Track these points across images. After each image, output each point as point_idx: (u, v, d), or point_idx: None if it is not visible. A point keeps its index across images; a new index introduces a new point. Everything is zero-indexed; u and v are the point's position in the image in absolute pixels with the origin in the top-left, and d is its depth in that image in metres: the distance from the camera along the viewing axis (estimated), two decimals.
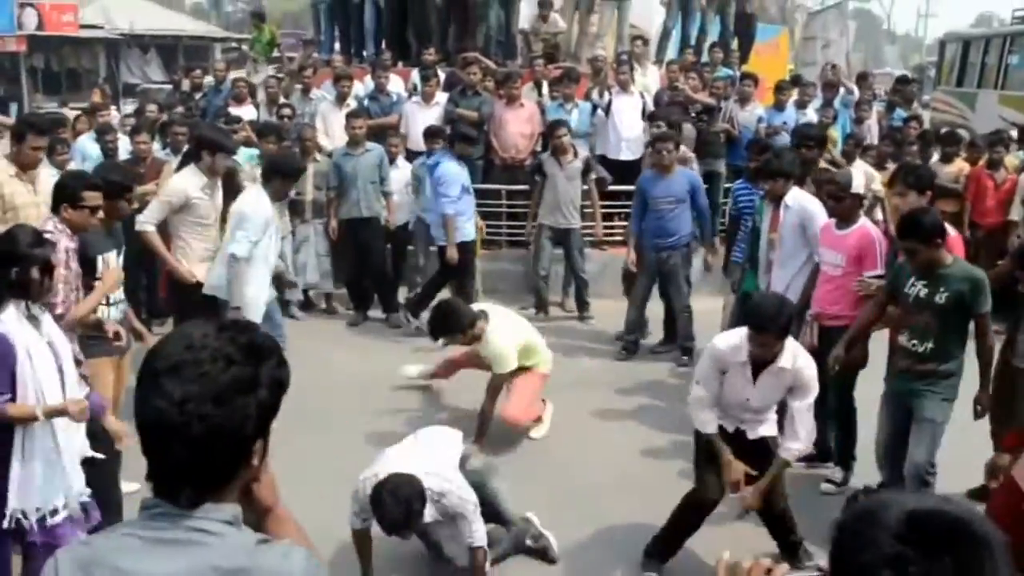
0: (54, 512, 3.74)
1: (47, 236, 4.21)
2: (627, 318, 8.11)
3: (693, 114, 10.08)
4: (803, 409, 4.45)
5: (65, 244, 4.56)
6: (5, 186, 5.90)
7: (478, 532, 4.24)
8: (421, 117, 9.74)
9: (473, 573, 4.36)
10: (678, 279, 7.88)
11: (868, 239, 5.47)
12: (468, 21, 11.77)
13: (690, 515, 4.61)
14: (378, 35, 12.54)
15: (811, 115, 10.57)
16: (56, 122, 8.64)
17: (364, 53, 12.70)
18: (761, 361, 4.39)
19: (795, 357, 4.39)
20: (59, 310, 4.35)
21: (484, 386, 6.08)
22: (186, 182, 6.38)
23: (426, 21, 11.90)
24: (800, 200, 6.20)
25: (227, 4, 55.93)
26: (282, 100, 10.43)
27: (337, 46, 13.39)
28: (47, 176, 6.15)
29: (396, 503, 3.94)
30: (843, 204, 5.53)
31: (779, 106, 10.56)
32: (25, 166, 6.01)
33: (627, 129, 9.88)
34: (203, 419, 1.46)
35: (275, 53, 14.26)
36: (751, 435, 4.63)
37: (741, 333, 4.49)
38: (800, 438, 4.44)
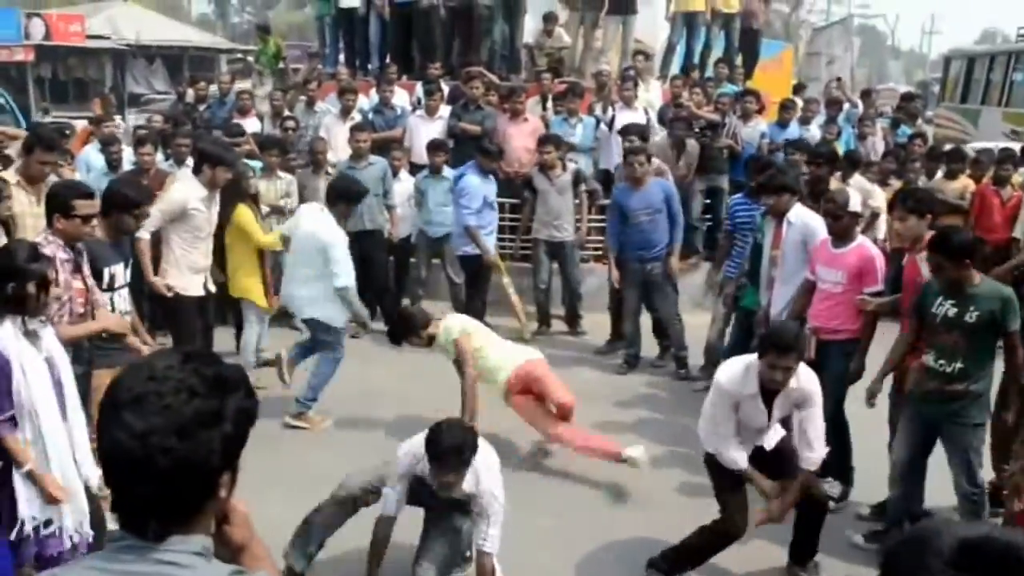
0: (48, 523, 3.74)
1: (41, 249, 4.20)
2: (624, 331, 8.16)
3: (697, 129, 10.07)
4: (812, 417, 4.49)
5: (52, 253, 4.47)
6: (4, 192, 5.88)
7: (493, 537, 4.18)
8: (425, 131, 9.77)
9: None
10: (664, 288, 7.93)
11: (868, 256, 5.45)
12: (472, 35, 11.81)
13: (712, 543, 4.58)
14: (382, 49, 12.57)
15: (815, 131, 10.58)
16: (59, 131, 8.66)
17: (368, 66, 12.74)
18: (772, 389, 4.37)
19: (798, 376, 4.38)
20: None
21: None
22: (186, 193, 6.39)
23: (430, 35, 11.94)
24: (803, 217, 6.20)
25: (233, 15, 56.18)
26: (286, 113, 10.46)
27: (342, 59, 13.43)
28: None
29: (457, 433, 4.08)
30: (841, 223, 5.51)
31: (783, 123, 10.57)
32: (32, 179, 6.00)
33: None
34: (166, 453, 1.42)
35: (280, 65, 14.29)
36: (768, 447, 4.65)
37: (745, 363, 4.46)
38: (815, 446, 4.50)
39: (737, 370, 4.46)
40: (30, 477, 3.67)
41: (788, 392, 4.38)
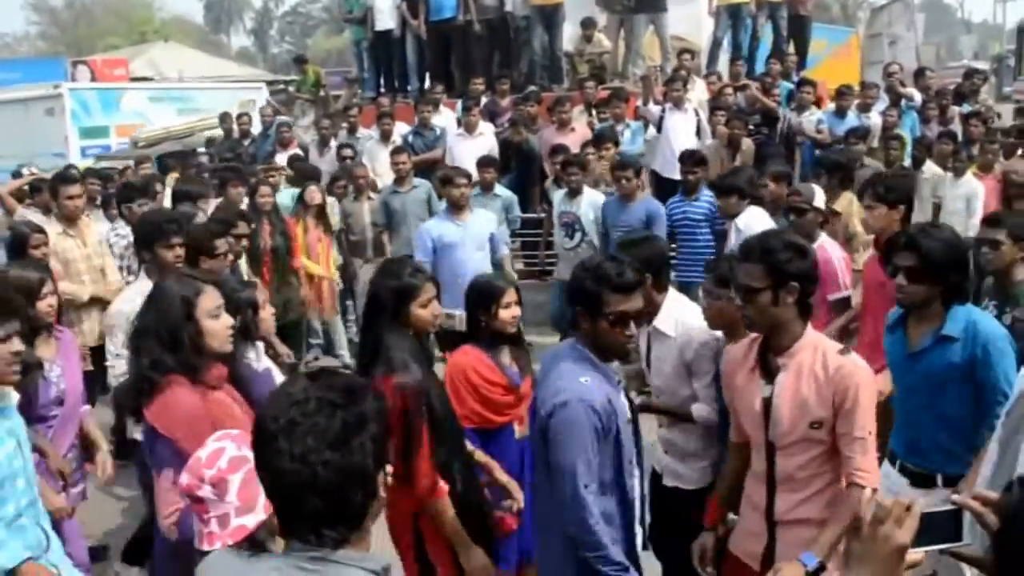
0: None
1: None
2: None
3: (752, 127, 9.62)
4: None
5: None
6: (57, 244, 6.00)
7: None
8: (466, 148, 9.47)
9: None
10: None
11: (825, 258, 4.53)
12: (511, 48, 11.55)
13: None
14: (420, 69, 12.34)
15: (875, 118, 10.05)
16: (106, 177, 8.75)
17: (408, 88, 12.49)
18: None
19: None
20: None
21: None
22: None
23: (468, 51, 11.67)
24: (751, 223, 5.76)
25: (273, 46, 56.81)
26: (334, 142, 10.31)
27: (382, 82, 13.20)
28: (96, 230, 6.48)
29: None
30: (805, 218, 5.12)
31: (840, 112, 10.09)
32: (67, 218, 6.15)
33: (680, 147, 9.43)
34: (326, 466, 1.56)
35: (321, 93, 14.14)
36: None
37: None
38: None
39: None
40: None
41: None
